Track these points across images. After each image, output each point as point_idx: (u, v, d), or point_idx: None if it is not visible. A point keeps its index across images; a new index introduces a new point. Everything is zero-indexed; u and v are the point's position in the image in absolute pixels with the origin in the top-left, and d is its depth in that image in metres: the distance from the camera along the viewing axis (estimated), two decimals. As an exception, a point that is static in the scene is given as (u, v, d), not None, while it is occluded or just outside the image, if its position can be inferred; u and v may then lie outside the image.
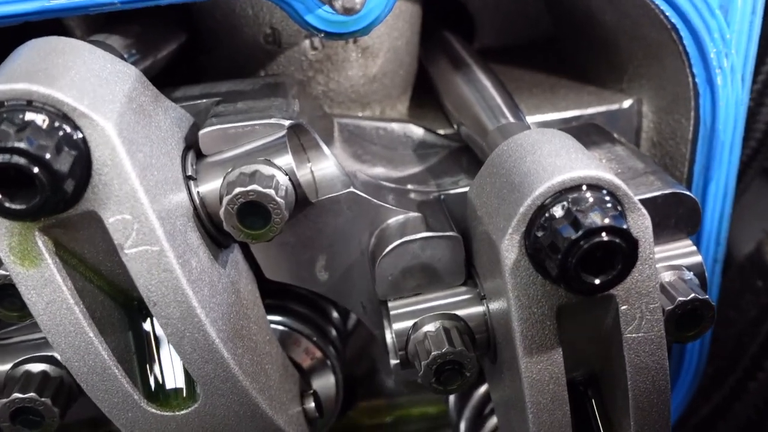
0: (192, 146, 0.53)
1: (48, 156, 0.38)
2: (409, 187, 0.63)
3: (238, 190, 0.48)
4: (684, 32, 0.58)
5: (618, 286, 0.45)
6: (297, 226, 0.57)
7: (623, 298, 0.47)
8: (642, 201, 0.55)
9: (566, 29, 0.87)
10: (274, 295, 0.67)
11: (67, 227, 0.44)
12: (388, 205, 0.57)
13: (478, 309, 0.55)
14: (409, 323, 0.55)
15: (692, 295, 0.52)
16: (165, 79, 0.72)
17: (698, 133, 0.63)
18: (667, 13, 0.58)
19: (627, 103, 0.73)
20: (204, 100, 0.59)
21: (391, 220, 0.58)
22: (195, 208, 0.50)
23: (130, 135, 0.43)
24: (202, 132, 0.52)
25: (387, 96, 0.74)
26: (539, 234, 0.44)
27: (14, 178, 0.38)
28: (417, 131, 0.70)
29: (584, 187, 0.44)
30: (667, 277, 0.55)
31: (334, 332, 0.72)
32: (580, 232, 0.41)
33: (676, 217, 0.57)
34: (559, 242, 0.42)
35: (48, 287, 0.44)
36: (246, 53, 0.69)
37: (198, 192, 0.51)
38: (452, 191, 0.62)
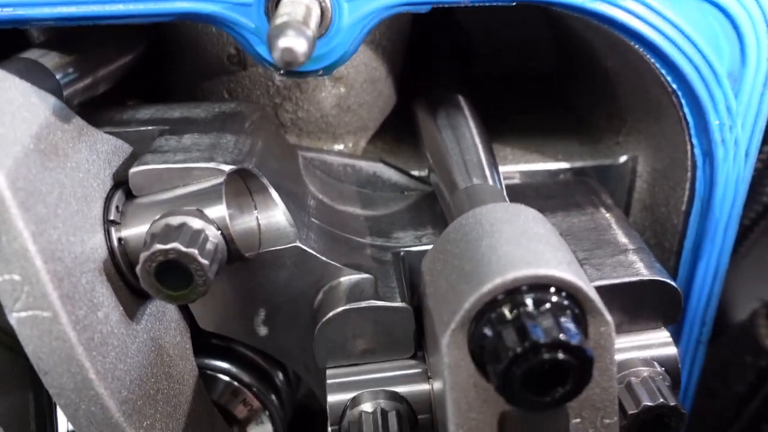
0: (123, 183, 0.48)
1: None
2: (368, 239, 0.57)
3: (157, 247, 0.42)
4: (685, 99, 0.52)
5: (571, 398, 0.39)
6: (235, 276, 0.52)
7: (576, 410, 0.41)
8: (617, 285, 0.50)
9: (569, 66, 0.81)
10: (219, 335, 0.62)
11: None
12: (337, 264, 0.52)
13: (424, 387, 0.50)
14: (347, 396, 0.50)
15: (660, 400, 0.47)
16: (128, 92, 0.67)
17: (692, 206, 0.57)
18: (668, 77, 0.52)
19: (621, 159, 0.67)
20: (150, 127, 0.54)
21: (342, 279, 0.52)
22: (113, 256, 0.45)
23: (29, 184, 0.38)
24: (132, 171, 0.47)
25: (362, 128, 0.68)
26: (487, 332, 0.39)
27: None
28: (387, 172, 0.65)
29: (540, 287, 0.38)
30: (636, 374, 0.49)
31: (281, 375, 0.67)
32: (526, 344, 0.36)
33: (655, 305, 0.51)
34: (501, 352, 0.37)
35: (-73, 344, 0.39)
36: (210, 73, 0.63)
37: (120, 238, 0.46)
38: (414, 248, 0.56)
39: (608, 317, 0.40)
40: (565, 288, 0.39)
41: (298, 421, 0.71)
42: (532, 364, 0.36)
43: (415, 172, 0.66)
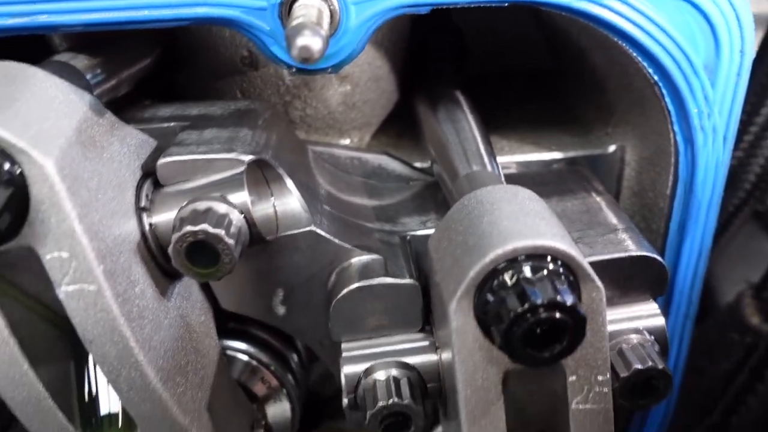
0: (151, 173, 0.52)
1: (-22, 193, 0.37)
2: (376, 225, 0.61)
3: (187, 228, 0.46)
4: (665, 89, 0.57)
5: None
6: (255, 259, 0.56)
7: (572, 368, 0.45)
8: (608, 261, 0.54)
9: (560, 62, 0.85)
10: (236, 319, 0.66)
11: (4, 259, 0.43)
12: (348, 246, 0.56)
13: (432, 358, 0.54)
14: (361, 367, 0.54)
15: (649, 363, 0.51)
16: (143, 94, 0.71)
17: (676, 189, 0.62)
18: (649, 69, 0.56)
19: (610, 149, 0.71)
20: (171, 124, 0.58)
21: (354, 260, 0.56)
22: (145, 240, 0.50)
23: (73, 171, 0.42)
24: (160, 162, 0.51)
25: (366, 123, 0.73)
26: (489, 298, 0.43)
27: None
28: (392, 164, 0.69)
29: (537, 256, 0.43)
30: (626, 341, 0.54)
31: (295, 357, 0.71)
32: (525, 306, 0.40)
33: (643, 279, 0.55)
34: (503, 313, 0.41)
35: (-19, 319, 0.43)
36: (223, 74, 0.67)
37: (150, 223, 0.50)
38: (419, 232, 0.60)
39: (599, 283, 0.44)
40: (559, 257, 0.43)
41: (309, 405, 0.75)
42: (531, 322, 0.40)
43: (417, 164, 0.71)
